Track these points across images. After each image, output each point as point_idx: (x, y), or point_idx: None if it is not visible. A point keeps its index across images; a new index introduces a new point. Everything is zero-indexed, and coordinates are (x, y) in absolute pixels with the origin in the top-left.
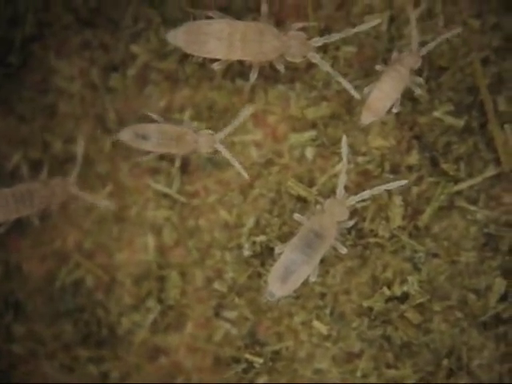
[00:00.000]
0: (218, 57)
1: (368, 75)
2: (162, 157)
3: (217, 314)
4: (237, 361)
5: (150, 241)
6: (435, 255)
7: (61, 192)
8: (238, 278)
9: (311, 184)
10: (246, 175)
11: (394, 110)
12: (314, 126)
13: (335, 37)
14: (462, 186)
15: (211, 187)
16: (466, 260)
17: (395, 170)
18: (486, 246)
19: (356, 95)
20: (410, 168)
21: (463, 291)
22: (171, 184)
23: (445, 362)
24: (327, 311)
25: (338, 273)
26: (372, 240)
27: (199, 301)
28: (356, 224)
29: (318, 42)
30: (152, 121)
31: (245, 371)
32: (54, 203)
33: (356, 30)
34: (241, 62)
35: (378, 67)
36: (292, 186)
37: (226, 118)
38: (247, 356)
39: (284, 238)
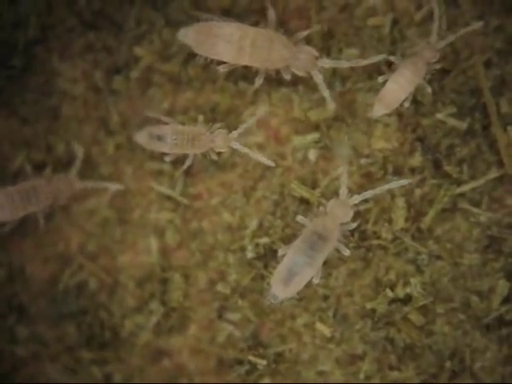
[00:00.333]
0: (226, 60)
1: (371, 78)
2: (164, 159)
3: (220, 316)
4: (240, 363)
5: (153, 243)
6: (438, 257)
7: (65, 187)
8: (241, 280)
9: (314, 186)
10: (271, 163)
11: (406, 105)
12: (317, 128)
13: (345, 64)
14: (465, 188)
15: (214, 189)
16: (469, 262)
17: (398, 172)
18: (488, 248)
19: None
20: (412, 170)
21: (466, 293)
22: (174, 186)
23: (448, 364)
24: (330, 313)
25: (340, 275)
26: (375, 242)
27: (202, 303)
28: (359, 226)
29: (327, 63)
30: (164, 123)
31: (248, 373)
32: (59, 199)
33: (366, 62)
34: (246, 66)
35: (380, 79)
36: (295, 188)
37: (229, 121)
38: (250, 358)
39: (287, 240)
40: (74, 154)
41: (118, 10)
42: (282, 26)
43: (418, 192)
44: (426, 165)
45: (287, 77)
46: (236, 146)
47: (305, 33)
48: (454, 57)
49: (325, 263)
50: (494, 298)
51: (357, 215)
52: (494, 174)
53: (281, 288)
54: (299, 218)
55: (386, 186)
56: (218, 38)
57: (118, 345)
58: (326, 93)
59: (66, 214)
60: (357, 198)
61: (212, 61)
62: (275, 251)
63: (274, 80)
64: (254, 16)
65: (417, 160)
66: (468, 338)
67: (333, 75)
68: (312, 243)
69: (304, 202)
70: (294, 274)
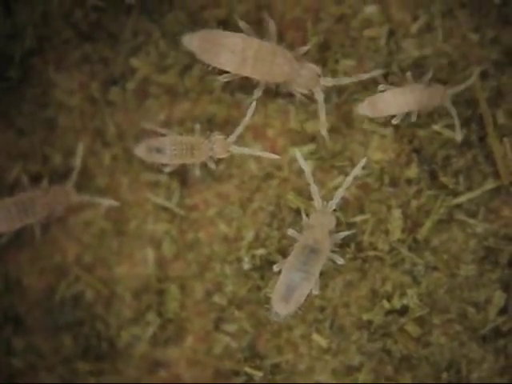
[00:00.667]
0: (228, 69)
1: (367, 89)
2: (160, 170)
3: (216, 327)
4: (236, 374)
5: (150, 254)
6: (435, 268)
7: (62, 199)
8: (238, 291)
9: (311, 197)
10: (275, 156)
11: (394, 122)
12: (313, 139)
13: (346, 80)
14: (462, 199)
15: (211, 200)
16: (466, 273)
17: (394, 183)
18: (485, 259)
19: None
20: (409, 181)
21: (463, 304)
22: (171, 197)
23: (444, 375)
24: (327, 324)
25: (337, 286)
26: (371, 253)
27: (199, 314)
28: (355, 237)
29: (329, 82)
30: (161, 135)
31: None
32: (56, 211)
33: (367, 76)
34: (243, 77)
35: (380, 87)
36: (291, 200)
37: (226, 132)
38: (247, 369)
39: (284, 251)
40: (70, 166)
41: (114, 21)
42: (278, 37)
43: (414, 203)
44: (422, 176)
45: (286, 90)
46: (235, 149)
47: (306, 48)
48: (450, 68)
49: (321, 274)
50: (490, 309)
51: (353, 226)
52: (490, 185)
53: (282, 306)
54: (290, 231)
55: (350, 177)
56: (221, 48)
57: (114, 356)
58: (322, 113)
59: (63, 225)
60: (333, 202)
61: (209, 72)
62: (272, 262)
63: (270, 91)
64: (250, 27)
65: (413, 171)
66: (465, 349)
67: (329, 86)
68: (305, 258)
69: (300, 213)
70: (292, 290)
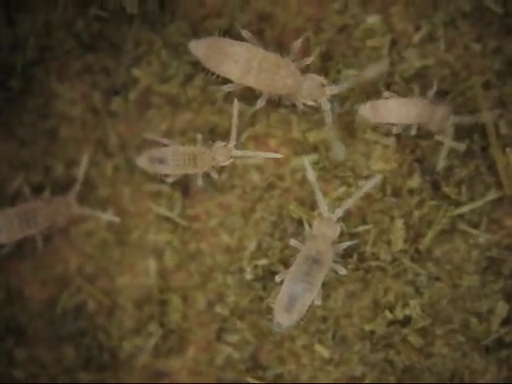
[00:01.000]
0: (232, 78)
1: (369, 98)
2: (162, 181)
3: (219, 338)
4: None
5: (152, 264)
6: (437, 279)
7: (64, 210)
8: (240, 301)
9: (313, 207)
10: (277, 155)
11: (394, 132)
12: (315, 149)
13: (350, 84)
14: (464, 209)
15: (213, 211)
16: (468, 283)
17: (397, 194)
18: (488, 269)
19: (340, 157)
20: (411, 191)
21: (465, 315)
22: (173, 208)
23: None
24: (329, 335)
25: (339, 296)
26: (374, 263)
27: (201, 324)
28: (358, 247)
29: (334, 89)
30: (163, 145)
31: None
32: (57, 221)
33: (372, 73)
34: (245, 87)
35: (386, 94)
36: (294, 210)
37: (226, 143)
38: (249, 380)
39: (286, 262)
40: (72, 176)
41: (116, 31)
42: (281, 46)
43: (416, 213)
44: (424, 186)
45: (289, 104)
46: (238, 153)
47: (310, 59)
48: (452, 78)
49: (323, 285)
50: (493, 320)
51: (355, 236)
52: (492, 195)
53: (284, 316)
54: (293, 241)
55: (361, 191)
56: (226, 56)
57: (116, 367)
58: (329, 120)
59: (65, 235)
60: (339, 211)
61: (211, 82)
62: (274, 273)
63: (273, 101)
64: (254, 36)
65: (415, 181)
66: (467, 360)
67: (331, 96)
68: (307, 268)
69: (302, 223)
70: (294, 301)
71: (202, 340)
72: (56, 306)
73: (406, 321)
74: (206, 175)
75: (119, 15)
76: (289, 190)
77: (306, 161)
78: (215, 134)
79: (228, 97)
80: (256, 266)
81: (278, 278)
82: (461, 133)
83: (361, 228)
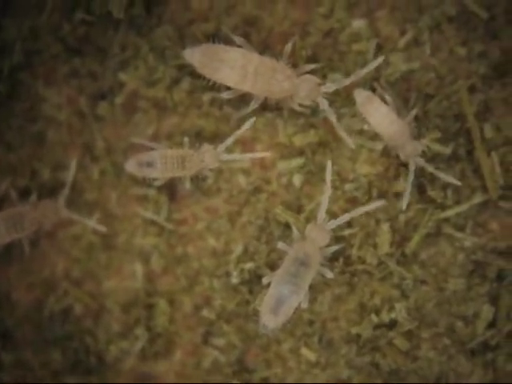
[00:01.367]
0: (228, 84)
1: (355, 103)
2: (149, 185)
3: (205, 342)
4: None
5: (139, 268)
6: (423, 282)
7: (51, 213)
8: (227, 305)
9: (299, 211)
10: (266, 153)
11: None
12: (301, 153)
13: (346, 82)
14: (450, 213)
15: (199, 214)
16: (454, 287)
17: (383, 197)
18: (473, 272)
19: (351, 145)
20: (397, 195)
21: (451, 318)
22: (159, 211)
23: None
24: (315, 338)
25: (326, 300)
26: (360, 267)
27: (187, 328)
28: (344, 251)
29: (330, 87)
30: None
31: None
32: (44, 225)
33: (367, 70)
34: None
35: (379, 90)
36: (280, 213)
37: (214, 146)
38: (236, 383)
39: (272, 265)
40: (59, 180)
41: (102, 36)
42: (267, 50)
43: (402, 217)
44: (410, 190)
45: (286, 108)
46: (226, 157)
47: (312, 66)
48: (438, 82)
49: (310, 288)
50: (478, 323)
51: (341, 240)
52: (478, 198)
53: (270, 318)
54: (280, 244)
55: (363, 209)
56: (221, 63)
57: (103, 370)
58: (333, 118)
59: (51, 239)
60: (334, 223)
61: (197, 86)
62: (260, 276)
63: (259, 105)
64: (245, 40)
65: (401, 185)
66: (453, 363)
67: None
68: (295, 271)
69: (289, 227)
70: (281, 303)
71: (188, 343)
72: (43, 309)
73: (392, 324)
74: (192, 179)
75: (105, 19)
76: (275, 194)
77: (329, 163)
78: (202, 138)
79: (214, 101)
80: (242, 270)
81: (264, 280)
82: (446, 136)
83: (347, 231)
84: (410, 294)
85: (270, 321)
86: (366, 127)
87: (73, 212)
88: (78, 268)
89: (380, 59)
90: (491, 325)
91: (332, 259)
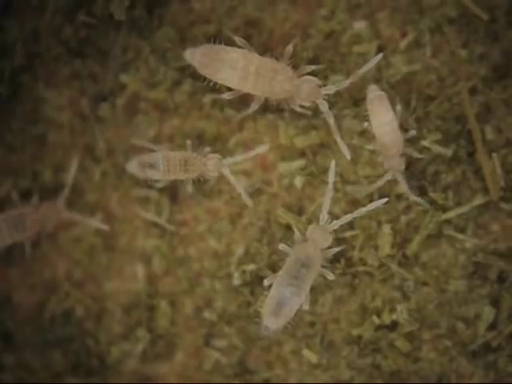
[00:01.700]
0: (229, 85)
1: (356, 104)
2: (150, 186)
3: (206, 343)
4: None
5: (140, 270)
6: (424, 284)
7: (52, 215)
8: (228, 306)
9: (300, 213)
10: (250, 202)
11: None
12: (303, 154)
13: (346, 83)
14: (451, 214)
15: (200, 216)
16: (455, 288)
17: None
18: (474, 274)
19: (347, 155)
20: (398, 197)
21: (452, 320)
22: (161, 213)
23: None
24: (317, 340)
25: (327, 301)
26: (361, 269)
27: (189, 330)
28: (345, 253)
29: (331, 89)
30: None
31: None
32: (46, 227)
33: (367, 68)
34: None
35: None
36: (281, 215)
37: (216, 148)
38: None
39: (273, 267)
40: (60, 182)
41: (104, 37)
42: (268, 52)
43: (403, 219)
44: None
45: (286, 108)
46: (226, 171)
47: (312, 67)
48: (438, 84)
49: (311, 290)
50: (479, 325)
51: (343, 242)
52: (479, 200)
53: (272, 320)
54: (281, 246)
55: (364, 209)
56: (222, 63)
57: (104, 372)
58: (331, 121)
59: (53, 241)
60: (336, 224)
61: (199, 88)
62: (262, 278)
63: (260, 106)
64: (247, 42)
65: (402, 187)
66: (454, 365)
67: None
68: (296, 272)
69: (290, 228)
70: (282, 305)
71: (190, 345)
72: (44, 311)
73: (394, 325)
74: (194, 181)
75: (107, 21)
76: (276, 196)
77: (333, 164)
78: (203, 140)
79: (215, 103)
80: (244, 272)
81: (266, 282)
82: (447, 138)
83: (348, 233)
84: (411, 295)
85: (271, 322)
86: (365, 125)
87: (74, 213)
88: (79, 270)
89: (378, 57)
90: (492, 326)
91: (333, 261)
